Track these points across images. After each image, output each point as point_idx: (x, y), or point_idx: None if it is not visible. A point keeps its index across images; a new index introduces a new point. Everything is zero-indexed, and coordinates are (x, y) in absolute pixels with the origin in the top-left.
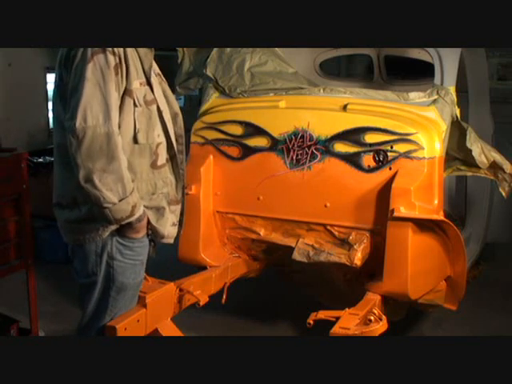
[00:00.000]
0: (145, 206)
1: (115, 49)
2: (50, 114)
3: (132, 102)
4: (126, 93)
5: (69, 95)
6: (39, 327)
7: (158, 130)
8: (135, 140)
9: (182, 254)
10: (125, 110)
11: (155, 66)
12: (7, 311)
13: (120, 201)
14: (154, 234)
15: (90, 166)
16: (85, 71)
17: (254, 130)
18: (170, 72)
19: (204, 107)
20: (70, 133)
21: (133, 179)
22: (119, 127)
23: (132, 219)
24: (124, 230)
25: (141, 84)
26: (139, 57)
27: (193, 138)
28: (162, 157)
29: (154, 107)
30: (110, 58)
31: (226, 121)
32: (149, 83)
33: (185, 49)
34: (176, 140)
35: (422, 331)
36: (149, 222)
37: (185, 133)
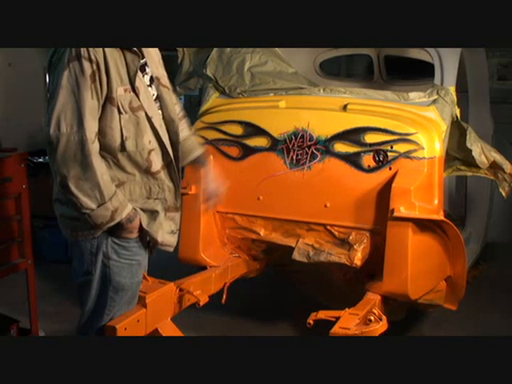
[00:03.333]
0: (139, 208)
1: (92, 55)
2: None
3: (116, 109)
4: (108, 100)
5: (47, 101)
6: (39, 327)
7: (149, 136)
8: (123, 147)
9: (182, 254)
10: (108, 117)
11: (156, 70)
12: (7, 311)
13: (98, 206)
14: (148, 237)
15: (64, 172)
16: (60, 78)
17: (254, 130)
18: (169, 72)
19: (204, 107)
20: (46, 139)
21: (125, 181)
22: (105, 135)
23: (113, 223)
24: (117, 230)
25: (125, 90)
26: (126, 62)
27: None
28: (156, 163)
29: (142, 114)
30: (86, 65)
31: (226, 121)
32: (134, 89)
33: (185, 49)
34: (171, 146)
35: (422, 331)
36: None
37: None
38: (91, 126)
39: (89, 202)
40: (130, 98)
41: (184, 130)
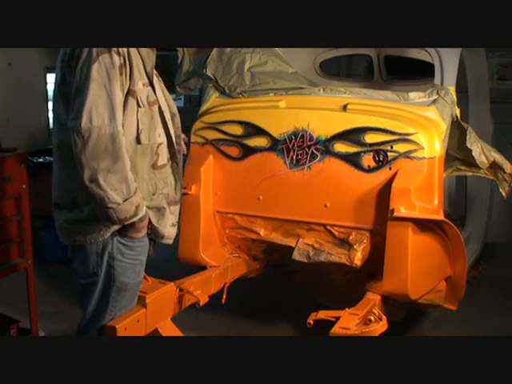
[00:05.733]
0: (146, 206)
1: (120, 49)
2: (50, 114)
3: (135, 102)
4: (130, 93)
5: (73, 95)
6: (39, 327)
7: (159, 130)
8: (138, 140)
9: (181, 254)
10: (128, 110)
11: (154, 69)
12: (7, 311)
13: (124, 201)
14: (154, 234)
15: (95, 166)
16: (90, 71)
17: (254, 130)
18: (170, 72)
19: (204, 107)
20: (74, 133)
21: (134, 179)
22: (122, 127)
23: (135, 219)
24: (126, 229)
25: (144, 85)
26: (141, 57)
27: (193, 138)
28: (163, 157)
29: (156, 107)
30: (115, 57)
31: (226, 121)
32: (151, 84)
33: (185, 49)
34: (174, 140)
35: (422, 331)
36: (150, 222)
37: (184, 133)
38: (121, 118)
39: (116, 197)
40: (147, 92)
41: None
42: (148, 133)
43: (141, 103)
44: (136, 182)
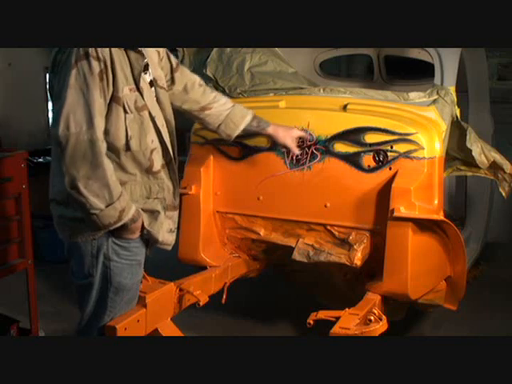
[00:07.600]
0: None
1: (100, 54)
2: (50, 114)
3: (121, 108)
4: (114, 99)
5: (53, 101)
6: (39, 327)
7: (152, 135)
8: (128, 147)
9: (181, 254)
10: (113, 116)
11: (155, 71)
12: (7, 311)
13: (107, 206)
14: (148, 237)
15: (74, 173)
16: (68, 78)
17: None
18: None
19: None
20: (53, 140)
21: (126, 181)
22: (108, 134)
23: (120, 224)
24: (120, 231)
25: (131, 90)
26: (130, 62)
27: (193, 138)
28: (158, 163)
29: (146, 113)
30: (94, 64)
31: None
32: (138, 89)
33: (185, 49)
34: (170, 147)
35: (422, 331)
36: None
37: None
38: (101, 125)
39: (98, 203)
40: (134, 98)
41: (227, 102)
42: (139, 139)
43: (128, 109)
44: (128, 184)
